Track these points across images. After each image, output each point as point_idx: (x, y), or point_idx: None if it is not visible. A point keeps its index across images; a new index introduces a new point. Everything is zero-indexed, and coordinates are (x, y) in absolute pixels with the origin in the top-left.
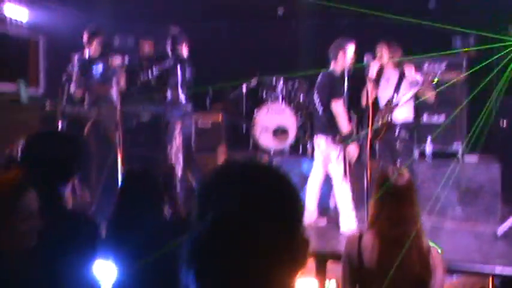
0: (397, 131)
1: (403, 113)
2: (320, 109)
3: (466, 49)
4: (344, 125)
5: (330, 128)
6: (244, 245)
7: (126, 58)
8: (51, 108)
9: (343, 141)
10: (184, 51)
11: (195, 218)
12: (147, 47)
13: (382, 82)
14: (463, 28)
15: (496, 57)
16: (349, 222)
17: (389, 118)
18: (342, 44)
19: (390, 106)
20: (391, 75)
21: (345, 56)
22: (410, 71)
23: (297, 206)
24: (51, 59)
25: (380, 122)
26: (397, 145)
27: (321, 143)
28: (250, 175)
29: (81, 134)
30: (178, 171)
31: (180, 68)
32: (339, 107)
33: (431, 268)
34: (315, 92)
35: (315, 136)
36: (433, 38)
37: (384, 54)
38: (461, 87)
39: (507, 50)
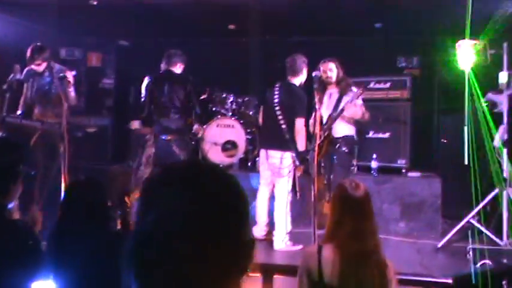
0: (337, 145)
1: (343, 129)
2: (283, 125)
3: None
4: (303, 143)
5: (291, 144)
6: (185, 246)
7: (72, 72)
8: None
9: (303, 160)
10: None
11: (137, 219)
12: (94, 59)
13: (325, 99)
14: (406, 49)
15: (436, 77)
16: (284, 238)
17: (329, 133)
18: (305, 60)
19: (330, 122)
20: (333, 92)
21: (307, 72)
22: (351, 90)
23: (241, 206)
24: None
25: (322, 138)
26: (334, 159)
27: (275, 158)
28: (193, 175)
29: (23, 145)
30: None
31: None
32: (302, 125)
33: (388, 281)
34: (277, 105)
35: (266, 150)
36: (379, 58)
37: (328, 71)
38: (405, 106)
39: (447, 71)
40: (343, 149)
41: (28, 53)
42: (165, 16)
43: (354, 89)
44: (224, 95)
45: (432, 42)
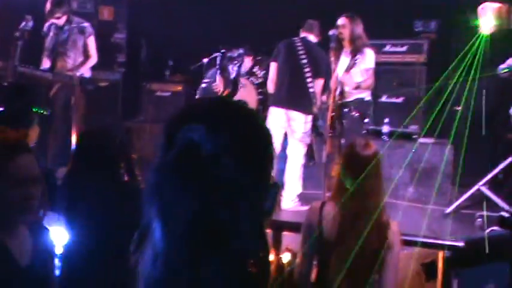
0: (347, 109)
1: (353, 92)
2: (311, 88)
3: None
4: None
5: (313, 106)
6: (210, 180)
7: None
8: (1, 67)
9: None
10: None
11: (159, 151)
12: (106, 13)
13: (341, 59)
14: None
15: (454, 41)
16: (294, 199)
17: (340, 97)
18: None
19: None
20: (346, 52)
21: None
22: (363, 55)
23: (267, 148)
24: (4, 19)
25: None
26: (344, 123)
27: (298, 121)
28: (220, 110)
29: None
30: None
31: None
32: (321, 87)
33: (389, 243)
34: (306, 66)
35: (286, 110)
36: (395, 21)
37: (340, 27)
38: (420, 71)
39: (466, 36)
40: (353, 113)
41: (47, 7)
42: None
43: (369, 52)
44: (236, 54)
45: (451, 5)
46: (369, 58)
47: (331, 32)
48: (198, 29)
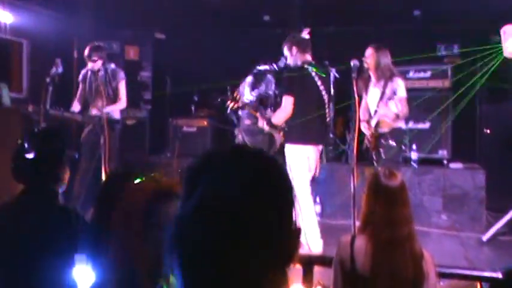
0: (383, 139)
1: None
2: (328, 117)
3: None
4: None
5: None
6: (230, 231)
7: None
8: (33, 111)
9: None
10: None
11: (180, 202)
12: (132, 53)
13: (370, 88)
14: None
15: (479, 65)
16: (316, 241)
17: (375, 129)
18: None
19: (374, 116)
20: (373, 82)
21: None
22: (393, 84)
23: (288, 193)
24: (35, 62)
25: (370, 133)
26: (381, 153)
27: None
28: (240, 158)
29: (67, 135)
30: None
31: None
32: None
33: (424, 272)
34: (325, 95)
35: (317, 146)
36: (418, 46)
37: (368, 58)
38: (446, 95)
39: (490, 58)
40: (390, 142)
41: (86, 52)
42: (200, 9)
43: (400, 81)
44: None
45: (473, 29)
46: (401, 87)
47: (352, 62)
48: (221, 63)
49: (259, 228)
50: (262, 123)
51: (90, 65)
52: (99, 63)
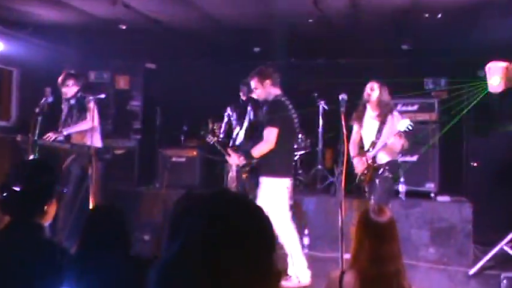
0: (381, 170)
1: (386, 155)
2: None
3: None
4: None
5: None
6: (210, 275)
7: (102, 95)
8: (22, 141)
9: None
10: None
11: (163, 247)
12: (122, 82)
13: (366, 120)
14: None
15: (465, 98)
16: (303, 272)
17: (373, 161)
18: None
19: (373, 147)
20: (373, 116)
21: None
22: (393, 119)
23: (267, 236)
24: (25, 90)
25: (366, 165)
26: (377, 183)
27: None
28: (219, 203)
29: (55, 166)
30: None
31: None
32: None
33: None
34: (297, 127)
35: (291, 179)
36: (406, 80)
37: (369, 89)
38: (433, 128)
39: (476, 93)
40: (387, 174)
41: (59, 79)
42: (190, 39)
43: (397, 114)
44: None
45: (461, 64)
46: (400, 122)
47: (341, 96)
48: (211, 93)
49: (241, 274)
50: (236, 159)
51: (63, 91)
52: (73, 89)
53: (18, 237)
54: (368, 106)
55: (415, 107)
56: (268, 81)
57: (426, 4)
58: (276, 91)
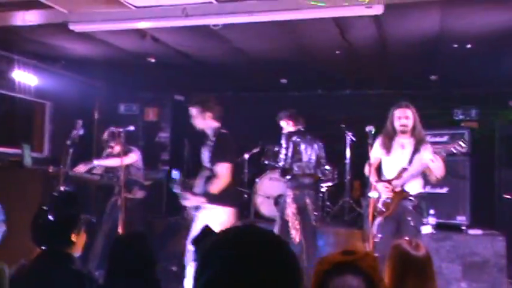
0: (409, 203)
1: (416, 185)
2: None
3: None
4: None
5: None
6: None
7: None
8: (53, 172)
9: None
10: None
11: (193, 279)
12: (151, 114)
13: (396, 148)
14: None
15: (497, 129)
16: None
17: (402, 189)
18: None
19: (402, 175)
20: (405, 143)
21: None
22: (426, 149)
23: (293, 273)
24: (57, 123)
25: (392, 194)
26: (409, 220)
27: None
28: (245, 240)
29: (85, 198)
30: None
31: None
32: None
33: None
34: None
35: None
36: (435, 110)
37: (403, 118)
38: (463, 160)
39: (507, 123)
40: (417, 207)
41: (104, 135)
42: (218, 71)
43: (429, 147)
44: (276, 149)
45: (490, 93)
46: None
47: (368, 128)
48: (239, 125)
49: None
50: (196, 201)
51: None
52: (117, 149)
53: (48, 267)
54: (399, 133)
55: (445, 138)
56: (209, 114)
57: (454, 34)
58: (216, 124)
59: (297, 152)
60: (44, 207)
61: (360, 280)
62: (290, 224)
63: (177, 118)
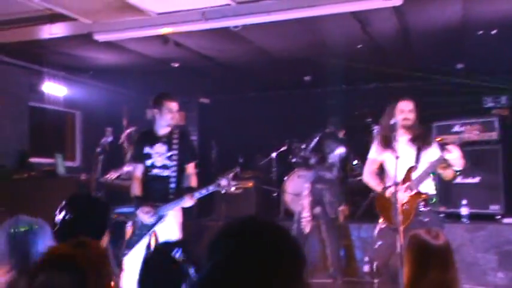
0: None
1: (429, 186)
2: None
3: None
4: None
5: None
6: None
7: None
8: (86, 180)
9: None
10: None
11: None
12: (178, 118)
13: (401, 147)
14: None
15: None
16: None
17: (419, 191)
18: None
19: (410, 176)
20: (409, 140)
21: None
22: (433, 147)
23: (291, 263)
24: (87, 131)
25: (407, 198)
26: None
27: None
28: (246, 230)
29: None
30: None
31: None
32: None
33: None
34: None
35: None
36: (463, 99)
37: (407, 112)
38: (494, 148)
39: None
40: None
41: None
42: (241, 72)
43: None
44: (303, 146)
45: None
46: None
47: (393, 121)
48: (264, 125)
49: None
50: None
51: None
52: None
53: None
54: (400, 130)
55: (475, 127)
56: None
57: (478, 21)
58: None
59: (321, 146)
60: (65, 207)
61: (66, 278)
62: (301, 215)
63: (203, 121)
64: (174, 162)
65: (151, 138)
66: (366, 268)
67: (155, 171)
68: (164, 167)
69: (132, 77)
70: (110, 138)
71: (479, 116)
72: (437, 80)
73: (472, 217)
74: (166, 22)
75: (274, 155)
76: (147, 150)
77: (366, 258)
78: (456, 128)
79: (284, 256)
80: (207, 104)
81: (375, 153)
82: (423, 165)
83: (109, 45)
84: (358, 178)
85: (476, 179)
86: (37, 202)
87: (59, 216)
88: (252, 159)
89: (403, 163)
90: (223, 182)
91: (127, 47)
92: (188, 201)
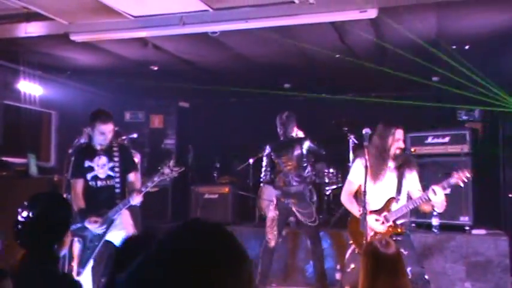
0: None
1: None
2: None
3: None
4: None
5: None
6: None
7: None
8: (58, 180)
9: None
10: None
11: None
12: (157, 121)
13: (387, 174)
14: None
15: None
16: None
17: (395, 224)
18: None
19: (390, 207)
20: (391, 168)
21: None
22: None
23: (234, 266)
24: (63, 132)
25: (385, 226)
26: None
27: None
28: (186, 231)
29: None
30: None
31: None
32: None
33: None
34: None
35: None
36: (437, 112)
37: (401, 140)
38: (465, 161)
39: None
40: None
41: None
42: (221, 78)
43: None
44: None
45: (494, 93)
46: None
47: (364, 131)
48: (243, 131)
49: None
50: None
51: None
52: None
53: (32, 270)
54: (391, 156)
55: (447, 139)
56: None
57: (451, 36)
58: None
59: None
60: (26, 207)
61: None
62: (267, 229)
63: (182, 125)
64: (118, 174)
65: (90, 152)
66: (338, 276)
67: (100, 183)
68: (109, 177)
69: (110, 78)
70: (82, 140)
71: (452, 129)
72: (413, 91)
73: (442, 228)
74: (144, 25)
75: (251, 161)
76: (87, 163)
77: (338, 266)
78: (429, 140)
79: (220, 253)
80: (187, 108)
81: (356, 176)
82: (404, 197)
83: (87, 46)
84: (334, 187)
85: (447, 190)
86: (8, 202)
87: (22, 215)
88: (229, 165)
89: (384, 191)
90: (166, 170)
91: (105, 48)
92: (137, 198)
